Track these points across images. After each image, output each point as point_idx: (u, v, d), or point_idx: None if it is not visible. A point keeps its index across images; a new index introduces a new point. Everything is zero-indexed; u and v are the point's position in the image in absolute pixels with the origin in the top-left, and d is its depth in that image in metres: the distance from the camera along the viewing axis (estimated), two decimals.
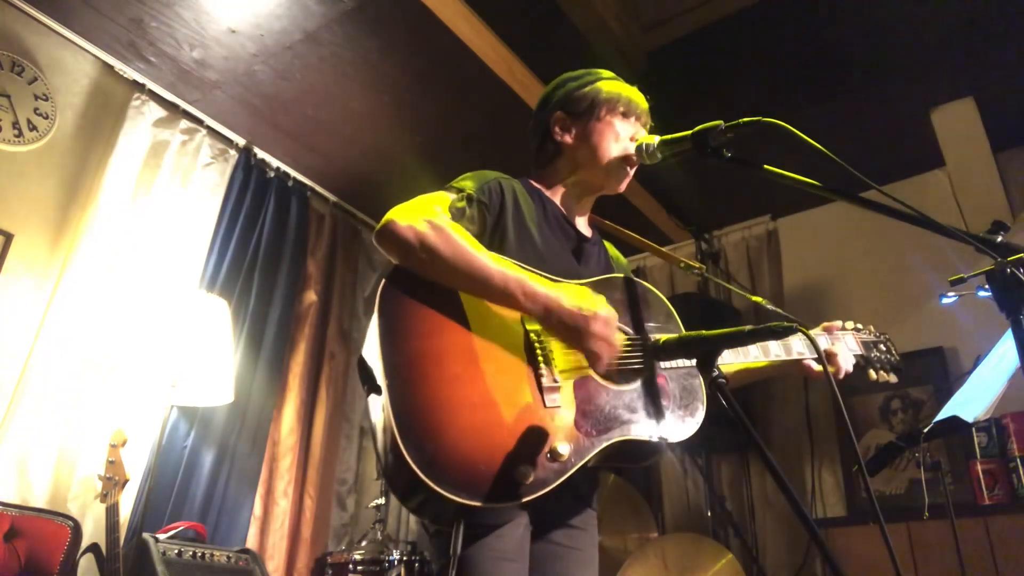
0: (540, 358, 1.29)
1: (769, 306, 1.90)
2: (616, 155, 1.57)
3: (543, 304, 1.25)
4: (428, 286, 1.27)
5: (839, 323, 1.73)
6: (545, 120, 1.64)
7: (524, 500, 1.15)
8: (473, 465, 1.13)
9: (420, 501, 1.15)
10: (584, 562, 1.43)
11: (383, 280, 1.27)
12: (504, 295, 1.26)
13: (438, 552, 1.29)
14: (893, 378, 1.71)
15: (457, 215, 1.39)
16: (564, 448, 1.21)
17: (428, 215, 1.31)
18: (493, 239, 1.42)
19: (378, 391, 1.17)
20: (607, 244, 1.76)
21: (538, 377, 1.27)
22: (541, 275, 1.35)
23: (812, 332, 1.65)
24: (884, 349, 1.76)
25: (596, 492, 1.53)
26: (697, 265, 1.86)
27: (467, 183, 1.46)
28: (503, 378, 1.24)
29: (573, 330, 1.25)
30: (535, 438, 1.20)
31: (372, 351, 1.22)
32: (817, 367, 1.62)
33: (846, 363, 1.63)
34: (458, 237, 1.28)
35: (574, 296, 1.27)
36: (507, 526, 1.25)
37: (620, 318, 1.44)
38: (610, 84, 1.63)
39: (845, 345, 1.67)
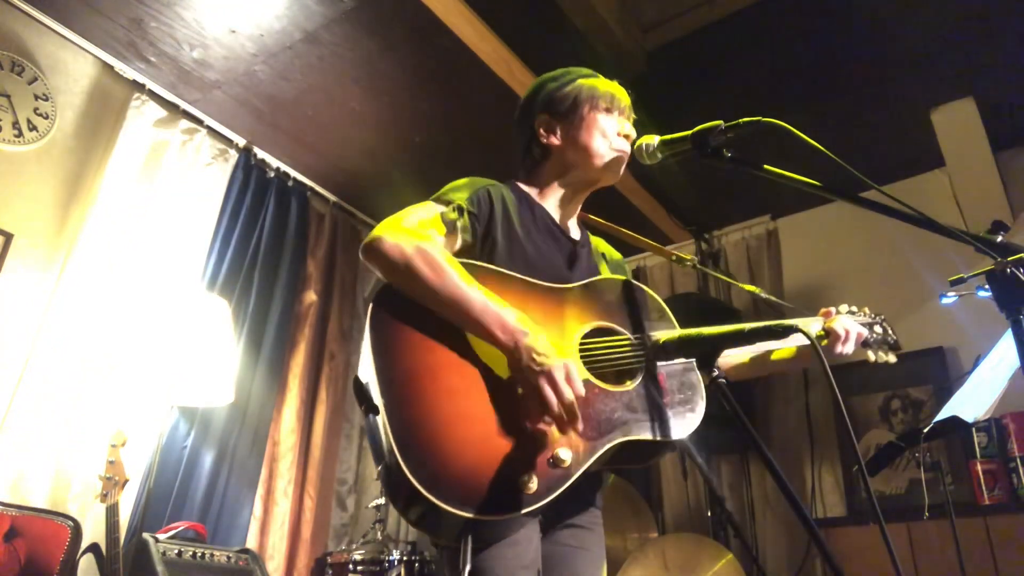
0: (519, 379, 1.27)
1: (763, 295, 1.90)
2: (605, 150, 1.57)
3: (515, 341, 1.20)
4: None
5: (832, 309, 1.71)
6: (529, 124, 1.64)
7: (530, 509, 1.15)
8: (476, 479, 1.13)
9: (426, 518, 1.15)
10: (592, 562, 1.43)
11: (373, 298, 1.26)
12: (478, 326, 1.23)
13: (449, 566, 1.27)
14: (892, 358, 1.69)
15: (449, 227, 1.39)
16: (566, 454, 1.20)
17: (417, 235, 1.31)
18: (483, 248, 1.42)
19: (375, 411, 1.16)
20: (599, 241, 1.75)
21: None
22: (530, 283, 1.36)
23: (810, 319, 1.66)
24: (880, 331, 1.74)
25: (600, 491, 1.52)
26: (688, 257, 1.86)
27: (456, 193, 1.46)
28: (500, 388, 1.23)
29: (532, 376, 1.18)
30: (536, 446, 1.20)
31: (367, 370, 1.21)
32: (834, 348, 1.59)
33: (854, 331, 1.59)
34: (443, 264, 1.26)
35: (546, 343, 1.22)
36: (520, 533, 1.24)
37: (614, 318, 1.44)
38: (591, 81, 1.64)
39: (845, 320, 1.64)
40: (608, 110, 1.60)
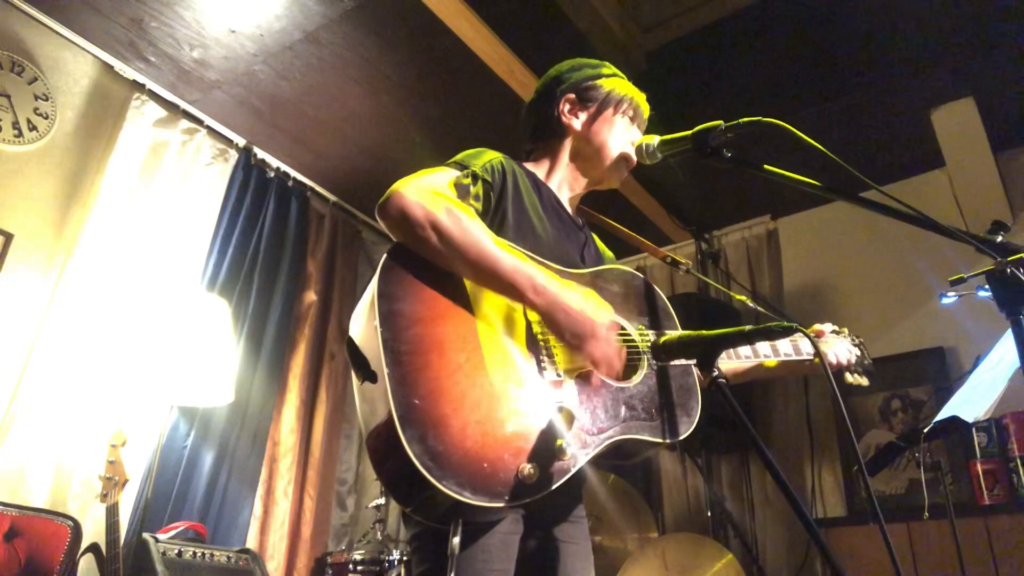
0: (543, 351, 1.27)
1: (749, 303, 1.92)
2: (618, 154, 1.59)
3: (550, 301, 1.23)
4: (430, 267, 1.23)
5: (819, 326, 1.76)
6: (556, 97, 1.62)
7: (527, 500, 1.13)
8: (477, 463, 1.09)
9: (418, 498, 1.11)
10: (579, 556, 1.41)
11: (382, 260, 1.20)
12: (511, 288, 1.23)
13: (420, 557, 1.25)
14: (865, 381, 1.73)
15: (462, 192, 1.35)
16: (569, 447, 1.19)
17: (438, 194, 1.27)
18: (493, 220, 1.39)
19: (372, 378, 1.12)
20: (594, 236, 1.75)
21: (541, 370, 1.25)
22: (541, 262, 1.34)
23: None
24: (859, 353, 1.77)
25: (585, 485, 1.50)
26: (683, 260, 1.86)
27: (471, 159, 1.43)
28: (506, 370, 1.20)
29: (577, 336, 1.24)
30: (539, 435, 1.17)
31: (367, 333, 1.16)
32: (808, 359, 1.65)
33: (843, 360, 1.68)
34: (470, 222, 1.24)
35: (583, 300, 1.26)
36: (487, 535, 1.21)
37: (619, 311, 1.43)
38: (626, 85, 1.65)
39: (841, 348, 1.71)
40: (632, 119, 1.63)
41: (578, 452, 1.22)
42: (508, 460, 1.13)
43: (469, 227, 1.23)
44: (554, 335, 1.27)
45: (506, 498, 1.11)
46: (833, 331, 1.77)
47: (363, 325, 1.19)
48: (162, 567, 2.25)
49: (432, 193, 1.26)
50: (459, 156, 1.46)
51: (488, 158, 1.45)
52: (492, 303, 1.26)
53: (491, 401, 1.16)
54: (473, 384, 1.16)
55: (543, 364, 1.26)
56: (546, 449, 1.17)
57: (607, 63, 1.69)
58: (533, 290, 1.23)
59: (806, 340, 1.65)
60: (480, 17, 2.90)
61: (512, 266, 1.23)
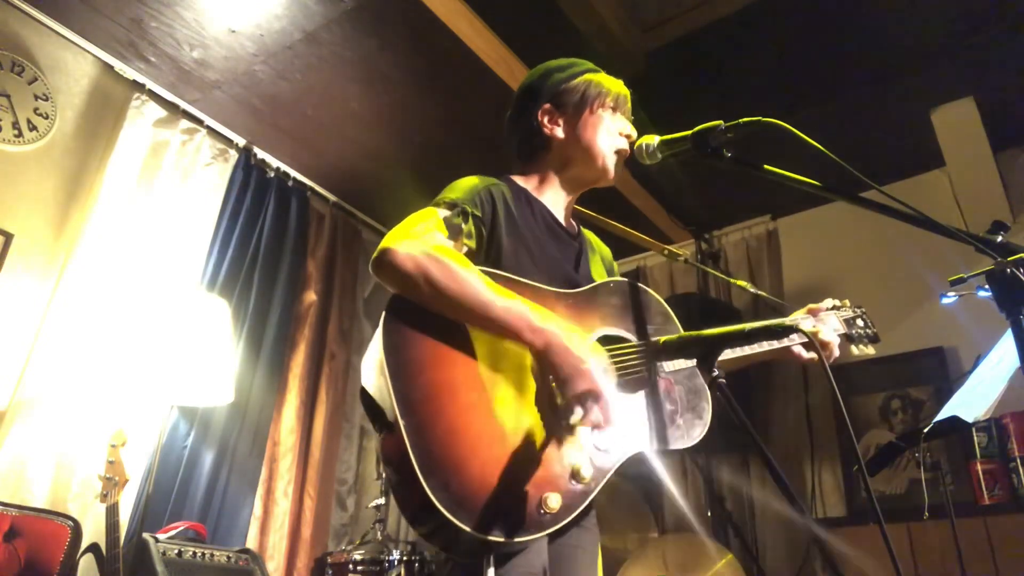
0: (552, 378, 1.26)
1: (751, 289, 1.91)
2: (607, 149, 1.56)
3: (545, 340, 1.20)
4: (431, 314, 1.23)
5: (822, 305, 1.73)
6: (531, 112, 1.60)
7: (554, 528, 1.14)
8: (500, 500, 1.11)
9: (449, 540, 1.12)
10: (590, 562, 1.44)
11: (384, 312, 1.22)
12: (506, 330, 1.22)
13: None
14: (871, 350, 1.73)
15: (454, 232, 1.35)
16: (586, 470, 1.20)
17: (427, 243, 1.26)
18: (489, 251, 1.39)
19: (389, 428, 1.13)
20: (590, 234, 1.74)
21: (551, 397, 1.24)
22: (537, 288, 1.34)
23: (797, 314, 1.67)
24: (862, 324, 1.77)
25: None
26: (682, 252, 1.86)
27: (459, 196, 1.41)
28: (517, 403, 1.21)
29: (566, 375, 1.19)
30: (557, 463, 1.19)
31: (379, 385, 1.17)
32: (807, 354, 1.63)
33: (833, 340, 1.64)
34: (460, 269, 1.23)
35: (579, 341, 1.23)
36: (534, 543, 1.23)
37: (621, 323, 1.44)
38: (598, 77, 1.62)
39: (830, 326, 1.67)
40: (614, 109, 1.59)
41: (597, 473, 1.22)
42: (531, 492, 1.14)
43: (460, 275, 1.22)
44: (545, 373, 1.24)
45: (534, 529, 1.12)
46: (833, 306, 1.74)
47: (373, 377, 1.20)
48: (162, 567, 2.25)
49: (419, 243, 1.26)
50: (446, 194, 1.44)
51: (476, 190, 1.44)
52: (496, 338, 1.26)
53: (507, 436, 1.17)
54: (487, 422, 1.17)
55: (552, 391, 1.25)
56: (565, 475, 1.19)
57: (575, 60, 1.65)
58: (529, 329, 1.21)
59: (806, 323, 1.64)
60: (480, 17, 2.90)
61: (504, 307, 1.21)
